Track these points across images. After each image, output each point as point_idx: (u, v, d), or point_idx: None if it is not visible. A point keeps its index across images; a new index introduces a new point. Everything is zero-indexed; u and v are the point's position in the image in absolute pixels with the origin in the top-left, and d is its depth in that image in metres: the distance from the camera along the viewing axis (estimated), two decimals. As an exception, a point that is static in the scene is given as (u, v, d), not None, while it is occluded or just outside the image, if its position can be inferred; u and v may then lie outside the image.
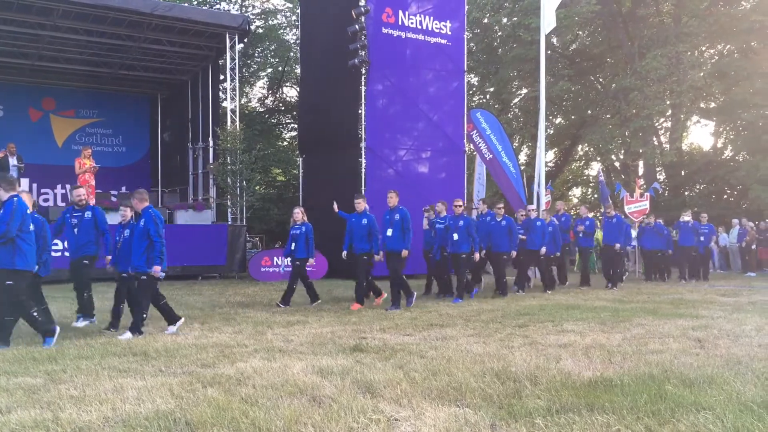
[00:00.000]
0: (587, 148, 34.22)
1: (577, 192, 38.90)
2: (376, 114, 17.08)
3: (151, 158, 22.48)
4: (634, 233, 17.99)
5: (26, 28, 16.54)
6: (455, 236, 11.56)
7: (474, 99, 30.55)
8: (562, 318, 9.13)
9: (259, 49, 31.37)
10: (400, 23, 17.26)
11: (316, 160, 19.05)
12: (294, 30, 29.59)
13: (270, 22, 31.61)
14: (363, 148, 16.81)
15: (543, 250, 13.46)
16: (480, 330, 8.14)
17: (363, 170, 16.76)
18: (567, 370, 5.58)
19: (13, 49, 18.08)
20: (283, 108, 33.83)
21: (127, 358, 6.30)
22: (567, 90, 28.85)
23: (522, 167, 26.38)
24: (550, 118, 31.28)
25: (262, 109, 33.57)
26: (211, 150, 18.67)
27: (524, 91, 31.54)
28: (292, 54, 29.71)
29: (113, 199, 16.75)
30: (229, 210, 17.59)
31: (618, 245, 14.71)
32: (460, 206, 11.82)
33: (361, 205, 10.87)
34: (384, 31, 17.02)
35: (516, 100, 32.43)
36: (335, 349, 6.78)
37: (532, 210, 13.99)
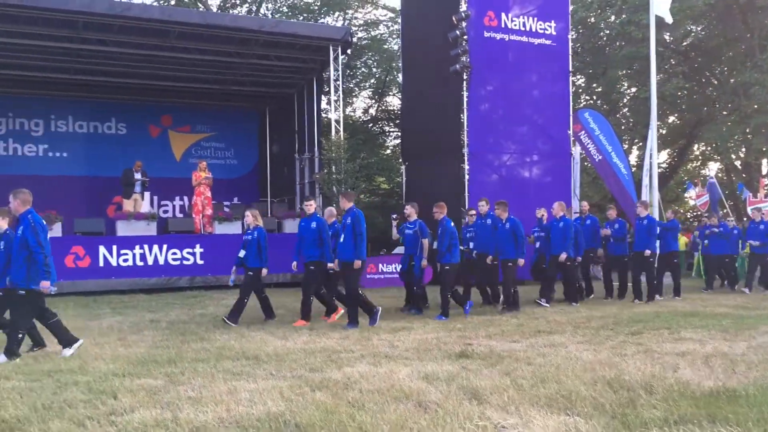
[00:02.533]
0: (704, 148, 32.46)
1: (692, 194, 36.88)
2: (478, 119, 16.94)
3: (260, 170, 23.28)
4: None
5: (144, 50, 17.57)
6: (434, 244, 10.68)
7: (580, 101, 29.70)
8: (680, 325, 8.68)
9: (362, 60, 31.89)
10: (502, 26, 17.06)
11: (419, 167, 19.11)
12: (397, 39, 29.88)
13: (372, 33, 32.09)
14: (466, 154, 16.69)
15: (521, 262, 11.01)
16: (590, 337, 7.87)
17: (466, 176, 16.64)
18: (685, 380, 5.30)
19: (135, 70, 19.26)
20: (386, 117, 34.20)
21: (241, 362, 6.53)
22: (680, 87, 27.50)
23: (633, 169, 25.37)
24: (663, 117, 29.90)
25: (366, 119, 34.08)
26: (316, 160, 19.12)
27: (634, 90, 30.34)
28: (394, 64, 29.99)
29: (226, 209, 17.45)
30: (335, 218, 17.90)
31: (648, 251, 12.33)
32: (439, 212, 10.57)
33: (311, 207, 10.04)
34: (486, 34, 16.88)
35: (625, 99, 31.25)
36: (441, 355, 6.75)
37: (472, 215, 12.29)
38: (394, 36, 30.73)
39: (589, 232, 12.95)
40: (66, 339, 7.34)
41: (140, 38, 16.83)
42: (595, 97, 31.10)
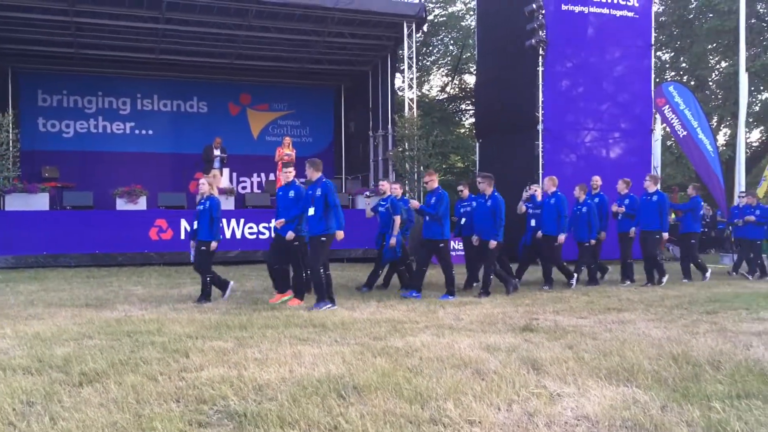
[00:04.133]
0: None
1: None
2: (554, 95, 16.53)
3: (335, 147, 23.58)
4: None
5: (225, 30, 18.08)
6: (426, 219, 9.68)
7: (665, 76, 28.56)
8: (760, 306, 8.33)
9: (438, 38, 31.65)
10: (581, -2, 16.54)
11: (493, 145, 18.90)
12: (474, 16, 29.54)
13: (449, 9, 31.77)
14: (540, 131, 16.35)
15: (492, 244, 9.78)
16: (662, 315, 7.67)
17: (540, 154, 16.31)
18: (756, 357, 5.12)
19: (215, 49, 19.84)
20: (462, 95, 33.91)
21: (308, 329, 6.70)
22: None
23: (722, 148, 24.23)
24: (755, 93, 28.40)
25: (442, 97, 33.90)
26: (390, 137, 19.20)
27: (723, 65, 28.93)
28: (471, 41, 29.66)
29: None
30: (407, 195, 17.98)
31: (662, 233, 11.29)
32: (431, 181, 9.82)
33: (290, 174, 9.23)
34: (563, 7, 16.40)
35: (713, 75, 29.85)
36: (505, 328, 6.75)
37: (462, 189, 11.25)
38: (471, 13, 30.34)
39: (600, 210, 11.68)
40: None
41: (220, 18, 17.33)
42: (681, 72, 29.86)
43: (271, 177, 19.72)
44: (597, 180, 12.16)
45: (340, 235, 8.42)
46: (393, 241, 10.06)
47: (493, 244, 9.69)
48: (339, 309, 8.22)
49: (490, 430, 3.56)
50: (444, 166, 28.09)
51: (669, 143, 24.70)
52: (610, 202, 12.07)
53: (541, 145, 16.34)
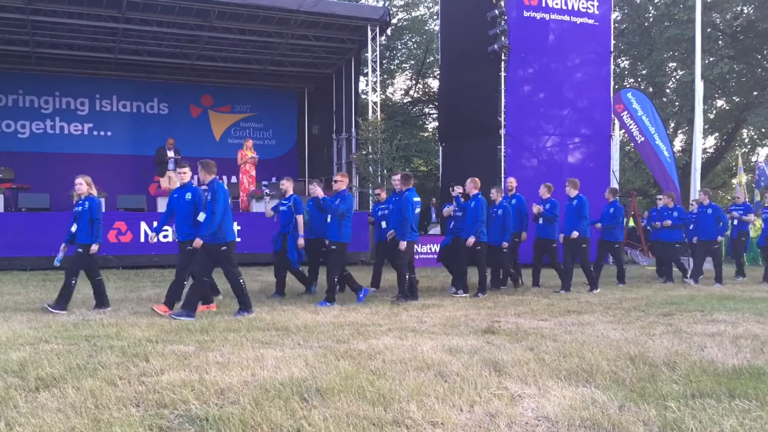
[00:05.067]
0: (752, 132, 31.63)
1: (742, 180, 35.94)
2: (516, 101, 16.73)
3: (299, 150, 23.49)
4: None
5: (187, 30, 17.90)
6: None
7: (625, 83, 29.12)
8: (714, 308, 8.57)
9: (402, 42, 31.77)
10: (543, 5, 16.73)
11: (456, 149, 19.04)
12: (437, 20, 29.73)
13: (413, 13, 31.93)
14: (503, 136, 16.53)
15: (402, 245, 9.48)
16: (620, 317, 7.82)
17: (503, 158, 16.50)
18: (710, 358, 5.26)
19: (177, 50, 19.62)
20: (426, 99, 34.08)
21: (270, 333, 6.67)
22: (729, 70, 26.70)
23: (678, 154, 24.83)
24: (710, 101, 29.14)
25: (406, 101, 34.02)
26: (354, 140, 19.22)
27: (680, 73, 29.61)
28: (435, 45, 29.85)
29: (264, 189, 17.67)
30: (371, 198, 18.00)
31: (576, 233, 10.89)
32: (340, 181, 9.35)
33: (184, 175, 8.39)
34: (525, 14, 16.62)
35: (671, 83, 30.53)
36: (467, 331, 6.81)
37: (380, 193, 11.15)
38: (435, 17, 30.53)
39: (516, 212, 11.30)
40: None
41: (182, 18, 17.15)
42: (640, 80, 30.47)
43: (233, 180, 19.54)
44: (512, 181, 11.99)
45: (197, 242, 7.75)
46: (301, 241, 9.71)
47: (402, 244, 9.33)
48: (302, 312, 8.18)
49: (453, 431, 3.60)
50: (407, 170, 28.15)
51: (628, 149, 25.17)
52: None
53: (503, 150, 16.52)
